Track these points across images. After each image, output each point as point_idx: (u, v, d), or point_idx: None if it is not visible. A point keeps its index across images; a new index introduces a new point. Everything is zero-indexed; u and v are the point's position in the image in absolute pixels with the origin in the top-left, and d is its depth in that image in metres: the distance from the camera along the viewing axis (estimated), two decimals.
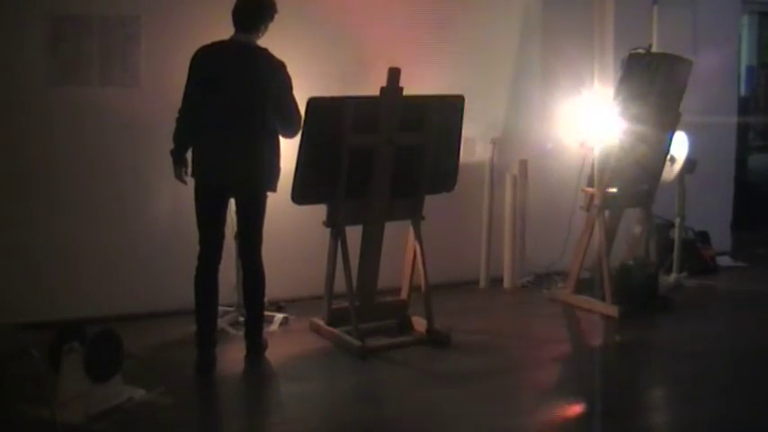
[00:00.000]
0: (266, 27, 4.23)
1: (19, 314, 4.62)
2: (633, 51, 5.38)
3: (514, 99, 6.00)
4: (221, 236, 4.23)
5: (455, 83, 5.13)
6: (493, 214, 5.94)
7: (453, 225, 5.82)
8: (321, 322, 4.79)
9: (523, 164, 5.97)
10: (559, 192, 5.87)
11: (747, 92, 8.91)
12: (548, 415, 3.84)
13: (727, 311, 5.87)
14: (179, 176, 4.23)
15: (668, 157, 5.85)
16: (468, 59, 5.74)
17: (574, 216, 5.73)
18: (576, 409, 3.93)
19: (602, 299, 5.36)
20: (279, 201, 4.37)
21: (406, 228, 4.82)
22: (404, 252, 4.91)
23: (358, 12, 5.42)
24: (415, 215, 4.77)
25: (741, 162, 7.87)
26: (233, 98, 4.07)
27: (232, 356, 4.37)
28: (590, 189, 5.49)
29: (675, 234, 6.18)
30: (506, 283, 6.02)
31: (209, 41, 4.15)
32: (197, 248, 4.20)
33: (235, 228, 4.33)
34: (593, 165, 5.47)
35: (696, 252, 6.50)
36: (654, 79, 5.38)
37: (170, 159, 4.20)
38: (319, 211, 4.58)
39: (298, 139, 4.31)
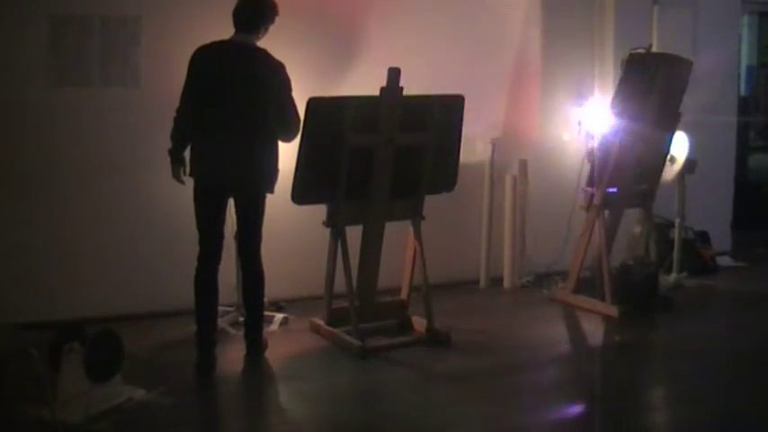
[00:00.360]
0: (266, 29, 4.22)
1: (19, 314, 4.61)
2: (633, 51, 5.39)
3: (514, 99, 6.00)
4: (221, 236, 4.23)
5: (455, 83, 5.12)
6: (493, 214, 5.94)
7: (453, 225, 5.83)
8: (321, 322, 4.79)
9: (523, 164, 5.97)
10: (559, 192, 5.88)
11: (747, 92, 8.90)
12: (548, 415, 3.84)
13: (727, 311, 5.87)
14: (177, 176, 4.23)
15: (668, 157, 5.85)
16: (468, 60, 5.74)
17: (574, 216, 5.73)
18: (575, 409, 3.93)
19: (602, 299, 5.36)
20: (279, 201, 4.37)
21: (406, 228, 4.82)
22: (404, 252, 4.91)
23: (358, 12, 5.42)
24: (415, 215, 4.77)
25: (741, 162, 7.88)
26: (232, 98, 4.07)
27: (232, 356, 4.37)
28: (590, 189, 5.49)
29: (675, 234, 6.18)
30: (506, 283, 6.02)
31: (208, 41, 4.15)
32: (197, 248, 4.20)
33: (234, 228, 4.33)
34: (593, 165, 5.47)
35: (696, 252, 6.50)
36: (654, 79, 5.38)
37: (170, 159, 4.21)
38: (319, 211, 4.58)
39: (298, 139, 4.30)
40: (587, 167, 5.56)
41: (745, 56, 8.81)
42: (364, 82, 4.56)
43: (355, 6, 5.43)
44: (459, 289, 5.88)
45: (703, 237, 6.69)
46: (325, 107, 4.33)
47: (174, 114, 4.14)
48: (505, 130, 5.96)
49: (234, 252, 4.44)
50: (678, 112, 5.69)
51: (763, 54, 8.98)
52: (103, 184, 4.91)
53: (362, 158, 4.46)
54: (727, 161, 7.16)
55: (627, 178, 5.56)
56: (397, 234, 4.85)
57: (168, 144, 4.17)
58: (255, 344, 4.38)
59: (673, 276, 6.12)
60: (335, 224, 4.55)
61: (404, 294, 4.96)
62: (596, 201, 5.42)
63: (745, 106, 8.27)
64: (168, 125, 4.16)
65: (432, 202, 4.84)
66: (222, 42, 4.14)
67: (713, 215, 6.86)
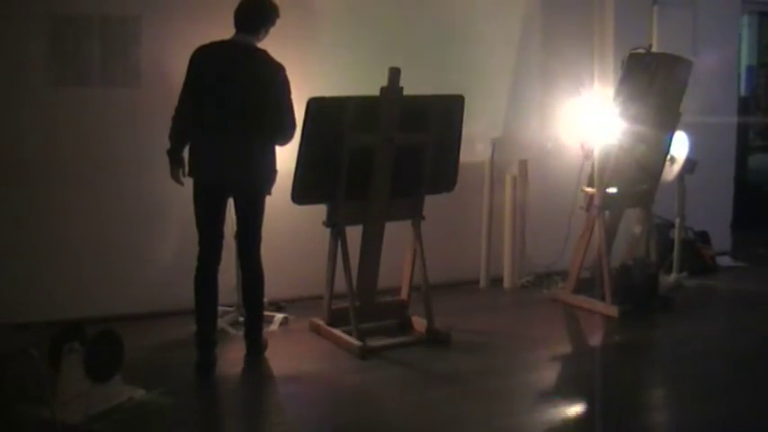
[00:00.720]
0: (267, 31, 4.22)
1: (19, 314, 4.63)
2: (633, 51, 5.38)
3: (514, 99, 6.01)
4: (221, 236, 4.22)
5: (455, 83, 5.13)
6: (493, 214, 5.94)
7: (453, 225, 5.83)
8: (321, 322, 4.79)
9: (523, 164, 5.97)
10: (559, 192, 5.88)
11: (747, 92, 8.90)
12: (547, 415, 3.84)
13: (727, 311, 5.87)
14: (175, 176, 4.22)
15: (668, 157, 5.85)
16: (469, 59, 5.74)
17: (574, 216, 5.73)
18: (575, 409, 3.93)
19: (602, 299, 5.36)
20: (278, 201, 4.37)
21: (406, 228, 4.82)
22: (404, 252, 4.91)
23: (358, 12, 5.42)
24: (415, 215, 4.77)
25: (741, 162, 7.88)
26: (231, 98, 4.06)
27: (232, 356, 4.37)
28: (590, 189, 5.50)
29: (675, 234, 6.18)
30: (506, 283, 6.02)
31: (209, 41, 4.15)
32: (197, 248, 4.20)
33: (234, 228, 4.33)
34: (593, 165, 5.47)
35: (696, 252, 6.51)
36: (654, 79, 5.38)
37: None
38: (319, 211, 4.58)
39: (297, 139, 4.30)
40: (587, 167, 5.56)
41: (745, 56, 8.81)
42: (364, 82, 4.56)
43: (355, 6, 5.43)
44: (459, 289, 5.88)
45: (703, 237, 6.69)
46: (326, 107, 4.33)
47: (172, 114, 4.13)
48: (505, 130, 5.97)
49: (234, 252, 4.44)
50: (678, 112, 5.69)
51: (763, 54, 8.98)
52: (103, 184, 4.91)
53: (362, 158, 4.46)
54: (727, 161, 7.16)
55: (627, 178, 5.56)
56: (397, 234, 4.85)
57: (167, 144, 4.17)
58: (255, 344, 4.38)
59: (673, 276, 6.12)
60: (335, 224, 4.55)
61: (404, 294, 4.96)
62: (596, 201, 5.42)
63: (745, 106, 8.27)
64: (168, 125, 4.15)
65: (432, 202, 4.84)
66: (222, 42, 4.14)
67: (713, 215, 6.86)
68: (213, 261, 4.22)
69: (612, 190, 5.46)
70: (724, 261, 6.82)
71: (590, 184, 5.52)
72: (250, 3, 4.19)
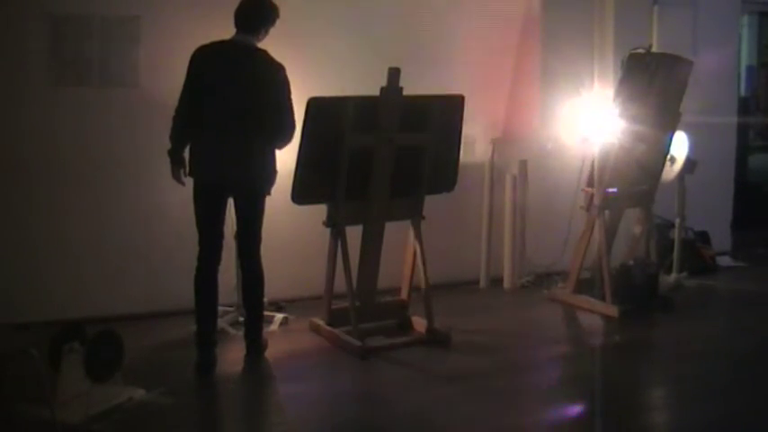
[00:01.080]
0: (267, 31, 4.22)
1: (19, 314, 4.63)
2: (633, 51, 5.38)
3: (514, 99, 6.01)
4: (221, 236, 4.22)
5: (455, 83, 5.13)
6: (493, 214, 5.94)
7: (453, 225, 5.83)
8: (321, 322, 4.79)
9: (523, 164, 5.97)
10: (559, 192, 5.88)
11: (747, 92, 8.91)
12: (548, 415, 3.84)
13: (727, 311, 5.87)
14: (176, 176, 4.22)
15: (668, 157, 5.85)
16: (468, 59, 5.74)
17: (574, 216, 5.73)
18: (575, 409, 3.93)
19: (602, 299, 5.36)
20: (279, 201, 4.37)
21: (406, 228, 4.82)
22: (404, 252, 4.90)
23: (358, 12, 5.42)
24: (415, 215, 4.77)
25: (741, 162, 7.87)
26: (231, 98, 4.06)
27: (232, 356, 4.37)
28: (590, 189, 5.50)
29: (675, 234, 6.18)
30: (506, 283, 6.02)
31: (209, 42, 4.15)
32: (197, 248, 4.20)
33: (234, 228, 4.33)
34: (593, 165, 5.47)
35: (696, 252, 6.51)
36: (654, 79, 5.38)
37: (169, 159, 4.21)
38: (319, 211, 4.58)
39: (297, 139, 4.30)
40: (587, 167, 5.56)
41: (745, 56, 8.81)
42: (364, 82, 4.56)
43: (355, 6, 5.43)
44: (459, 289, 5.88)
45: (703, 237, 6.69)
46: (326, 107, 4.33)
47: (173, 114, 4.13)
48: (505, 130, 5.96)
49: (234, 252, 4.44)
50: (678, 112, 5.69)
51: (763, 54, 8.98)
52: (103, 184, 4.91)
53: (362, 158, 4.46)
54: (727, 161, 7.16)
55: (627, 178, 5.56)
56: (397, 234, 4.85)
57: (168, 144, 4.17)
58: (255, 344, 4.38)
59: (673, 276, 6.12)
60: (335, 224, 4.55)
61: (404, 294, 4.96)
62: (596, 201, 5.42)
63: (745, 106, 8.27)
64: (167, 125, 4.15)
65: (432, 202, 4.84)
66: (222, 42, 4.14)
67: (713, 215, 6.86)
68: (213, 261, 4.21)
69: (612, 190, 5.45)
70: (724, 261, 6.82)
71: (590, 184, 5.52)
72: (250, 3, 4.19)
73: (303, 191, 4.41)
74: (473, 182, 5.73)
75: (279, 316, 5.02)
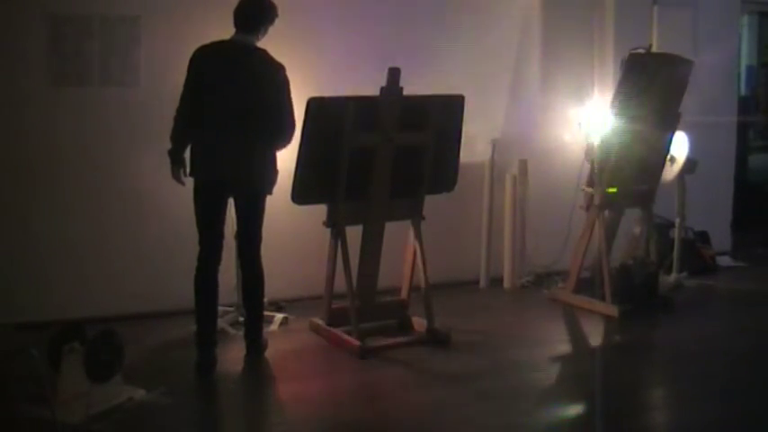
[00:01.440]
0: (266, 30, 4.22)
1: (19, 314, 4.63)
2: (633, 51, 5.38)
3: (514, 99, 6.01)
4: (221, 236, 4.22)
5: (455, 83, 5.13)
6: (493, 214, 5.94)
7: (453, 225, 5.83)
8: (321, 322, 4.79)
9: (523, 164, 5.97)
10: (559, 192, 5.87)
11: (747, 92, 8.90)
12: (547, 415, 3.84)
13: (727, 311, 5.87)
14: (177, 177, 4.22)
15: (668, 157, 5.85)
16: (468, 59, 5.74)
17: (574, 216, 5.73)
18: (575, 409, 3.93)
19: (602, 299, 5.36)
20: (279, 201, 4.37)
21: (406, 228, 4.82)
22: (404, 252, 4.90)
23: (358, 12, 5.42)
24: (415, 215, 4.77)
25: (741, 162, 7.87)
26: (232, 98, 4.07)
27: (232, 356, 4.37)
28: (590, 189, 5.50)
29: (675, 234, 6.18)
30: (506, 283, 6.02)
31: (208, 41, 4.15)
32: (197, 248, 4.20)
33: (235, 228, 4.33)
34: (592, 164, 5.47)
35: (696, 252, 6.50)
36: (654, 79, 5.38)
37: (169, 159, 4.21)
38: (319, 211, 4.58)
39: (297, 139, 4.30)
40: (587, 167, 5.56)
41: (745, 56, 8.81)
42: (364, 82, 4.56)
43: (355, 6, 5.42)
44: (459, 289, 5.88)
45: (703, 237, 6.69)
46: (326, 107, 4.33)
47: (174, 114, 4.13)
48: (505, 130, 5.96)
49: (234, 252, 4.44)
50: (678, 112, 5.69)
51: (763, 54, 8.98)
52: (103, 184, 4.91)
53: (362, 158, 4.46)
54: (727, 161, 7.15)
55: (627, 178, 5.56)
56: (397, 234, 4.85)
57: (168, 144, 4.17)
58: (255, 344, 4.38)
59: (673, 276, 6.12)
60: (335, 224, 4.55)
61: (404, 294, 4.96)
62: (596, 201, 5.42)
63: (745, 106, 8.26)
64: (168, 124, 4.15)
65: (432, 202, 4.84)
66: (222, 42, 4.14)
67: (713, 215, 6.86)
68: (213, 261, 4.22)
69: (612, 190, 5.45)
70: (724, 261, 6.82)
71: (590, 184, 5.52)
72: (249, 2, 4.19)
73: (303, 191, 4.41)
74: (473, 182, 5.73)
75: (279, 316, 5.02)
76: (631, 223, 5.95)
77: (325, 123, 4.33)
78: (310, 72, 4.84)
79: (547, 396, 4.07)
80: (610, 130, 5.30)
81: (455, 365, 4.42)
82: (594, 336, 5.11)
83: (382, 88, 4.44)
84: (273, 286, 4.58)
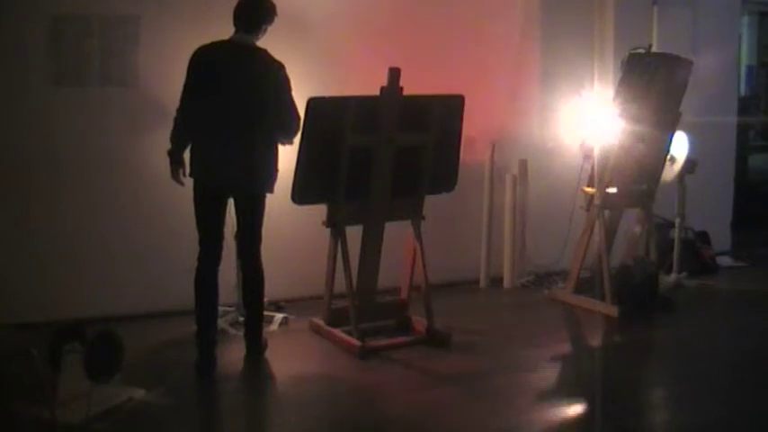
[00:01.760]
0: (266, 29, 4.22)
1: (19, 314, 4.63)
2: (633, 51, 5.39)
3: (514, 99, 6.01)
4: (221, 236, 4.22)
5: (455, 83, 5.13)
6: (493, 214, 5.94)
7: (453, 225, 5.83)
8: (321, 322, 4.79)
9: (523, 164, 5.97)
10: (559, 192, 5.88)
11: (747, 92, 8.91)
12: (547, 415, 3.84)
13: (727, 311, 5.87)
14: (176, 177, 4.22)
15: (668, 157, 5.85)
16: (469, 59, 5.74)
17: (574, 216, 5.73)
18: (575, 409, 3.93)
19: (602, 299, 5.36)
20: (279, 201, 4.37)
21: (406, 228, 4.82)
22: (404, 252, 4.90)
23: (358, 12, 5.42)
24: (415, 215, 4.77)
25: (741, 162, 7.87)
26: (232, 98, 4.06)
27: (232, 356, 4.37)
28: (590, 189, 5.50)
29: (675, 234, 6.18)
30: (506, 283, 6.02)
31: (208, 41, 4.15)
32: (197, 249, 4.20)
33: (234, 228, 4.33)
34: (592, 165, 5.47)
35: (696, 252, 6.50)
36: (654, 79, 5.38)
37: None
38: (319, 211, 4.58)
39: (298, 139, 4.30)
40: (587, 167, 5.56)
41: (745, 56, 8.81)
42: (364, 82, 4.56)
43: (355, 6, 5.43)
44: (459, 289, 5.88)
45: (703, 237, 6.69)
46: (326, 107, 4.33)
47: (174, 115, 4.13)
48: (505, 130, 5.96)
49: (234, 252, 4.44)
50: (678, 112, 5.69)
51: (763, 54, 8.98)
52: (103, 184, 4.91)
53: (362, 158, 4.46)
54: (727, 161, 7.16)
55: (627, 178, 5.56)
56: (397, 234, 4.85)
57: (168, 145, 4.17)
58: (255, 344, 4.38)
59: (673, 276, 6.12)
60: (335, 224, 4.55)
61: (404, 294, 4.96)
62: (596, 201, 5.42)
63: (745, 106, 8.27)
64: (167, 125, 4.15)
65: (432, 202, 4.84)
66: (222, 42, 4.14)
67: (713, 215, 6.86)
68: (213, 261, 4.21)
69: (612, 190, 5.45)
70: (724, 261, 6.82)
71: (590, 184, 5.52)
72: (248, 2, 4.19)
73: (303, 191, 4.41)
74: (473, 182, 5.73)
75: (279, 316, 5.02)
76: (631, 223, 5.95)
77: (326, 123, 4.33)
78: (310, 72, 4.84)
79: (547, 396, 4.07)
80: (610, 130, 5.30)
81: (455, 365, 4.42)
82: (594, 336, 5.11)
83: (382, 88, 4.44)
84: (273, 286, 4.58)
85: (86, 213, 4.90)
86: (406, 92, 4.49)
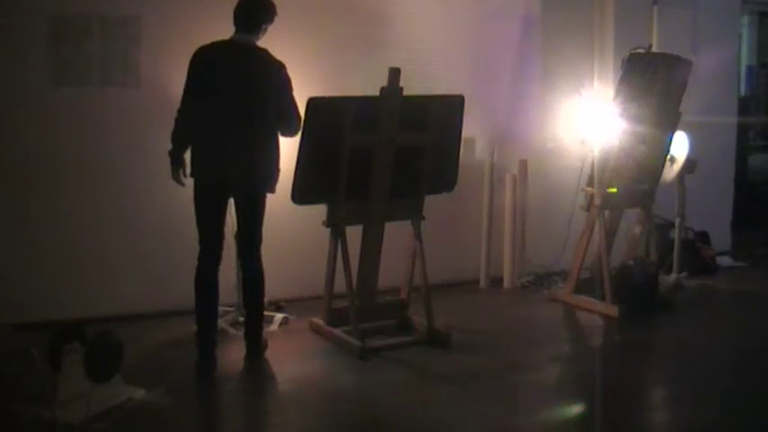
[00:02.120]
0: (266, 29, 4.22)
1: (19, 314, 4.62)
2: (633, 51, 5.39)
3: (514, 99, 6.01)
4: (221, 236, 4.22)
5: (455, 83, 5.13)
6: (493, 214, 5.94)
7: (453, 225, 5.83)
8: (321, 322, 4.79)
9: (523, 164, 5.97)
10: (559, 192, 5.88)
11: (747, 92, 8.91)
12: (548, 415, 3.84)
13: (727, 311, 5.87)
14: (176, 178, 4.22)
15: (668, 157, 5.85)
16: (469, 59, 5.74)
17: (574, 216, 5.73)
18: (575, 409, 3.93)
19: (602, 299, 5.36)
20: (279, 201, 4.37)
21: (406, 228, 4.82)
22: (404, 252, 4.90)
23: (358, 12, 5.42)
24: (415, 215, 4.76)
25: (741, 162, 7.88)
26: (233, 98, 4.06)
27: (232, 356, 4.37)
28: (590, 189, 5.50)
29: (675, 234, 6.18)
30: (506, 283, 6.02)
31: (208, 41, 4.15)
32: (197, 248, 4.19)
33: (235, 228, 4.33)
34: (593, 165, 5.47)
35: (696, 252, 6.50)
36: (654, 79, 5.38)
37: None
38: (319, 211, 4.58)
39: (298, 139, 4.31)
40: (587, 167, 5.56)
41: (745, 56, 8.82)
42: (364, 82, 4.56)
43: (356, 6, 5.43)
44: (459, 289, 5.88)
45: (703, 237, 6.69)
46: (326, 107, 4.33)
47: (175, 115, 4.13)
48: (505, 130, 5.96)
49: (234, 252, 4.44)
50: (678, 112, 5.69)
51: (763, 54, 8.99)
52: (103, 184, 4.91)
53: (362, 158, 4.46)
54: (727, 161, 7.16)
55: (627, 178, 5.56)
56: (397, 234, 4.85)
57: (168, 145, 4.17)
58: (255, 344, 4.38)
59: (673, 276, 6.12)
60: (335, 224, 4.55)
61: (404, 294, 4.96)
62: (596, 201, 5.42)
63: (745, 106, 8.27)
64: (168, 125, 4.15)
65: (432, 202, 4.84)
66: (222, 42, 4.14)
67: (713, 215, 6.86)
68: (213, 261, 4.21)
69: (612, 190, 5.45)
70: (724, 261, 6.82)
71: (590, 184, 5.52)
72: (249, 2, 4.19)
73: (303, 191, 4.41)
74: (473, 182, 5.73)
75: (279, 316, 5.02)
76: (631, 223, 5.95)
77: (326, 123, 4.33)
78: (310, 72, 4.84)
79: (547, 396, 4.07)
80: (610, 130, 5.30)
81: (455, 365, 4.42)
82: (594, 336, 5.11)
83: (382, 88, 4.44)
84: (273, 286, 4.58)
85: (86, 213, 4.90)
86: (406, 92, 4.49)
